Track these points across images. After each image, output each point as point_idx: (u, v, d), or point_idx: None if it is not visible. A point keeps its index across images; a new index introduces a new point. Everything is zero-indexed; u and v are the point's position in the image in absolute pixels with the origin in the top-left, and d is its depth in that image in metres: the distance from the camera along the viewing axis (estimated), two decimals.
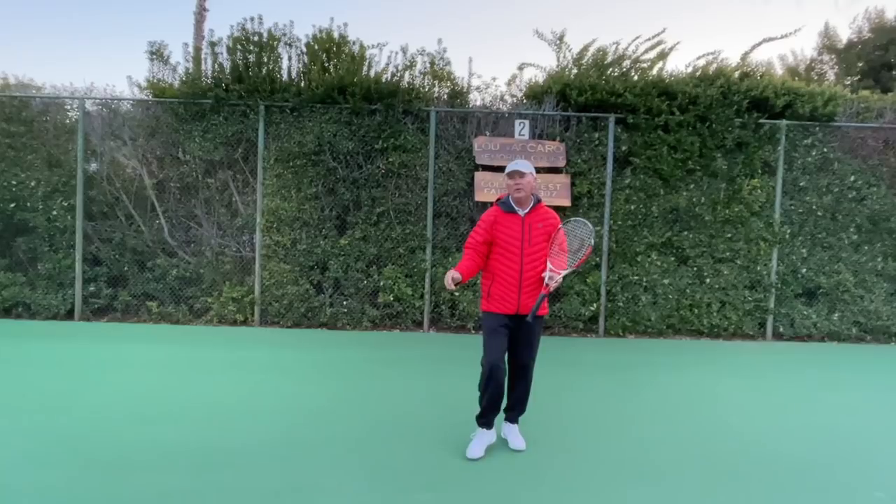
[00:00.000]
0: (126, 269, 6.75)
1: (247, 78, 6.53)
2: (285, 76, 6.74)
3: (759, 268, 6.78)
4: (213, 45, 6.65)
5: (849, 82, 23.93)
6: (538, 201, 3.26)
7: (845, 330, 6.85)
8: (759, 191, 6.73)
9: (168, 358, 5.09)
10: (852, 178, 6.82)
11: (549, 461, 3.13)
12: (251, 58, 6.59)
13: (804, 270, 6.83)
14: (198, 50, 7.13)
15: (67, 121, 6.96)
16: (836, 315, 6.84)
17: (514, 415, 3.39)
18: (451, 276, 3.01)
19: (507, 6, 40.55)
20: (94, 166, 6.84)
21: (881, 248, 6.90)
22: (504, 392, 3.20)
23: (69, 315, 6.70)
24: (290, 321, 6.69)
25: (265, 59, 6.64)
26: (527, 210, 3.19)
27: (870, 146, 6.90)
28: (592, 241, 3.19)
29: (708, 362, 5.64)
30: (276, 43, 6.67)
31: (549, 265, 3.13)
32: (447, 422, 3.68)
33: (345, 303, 6.74)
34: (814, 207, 6.81)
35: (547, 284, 3.08)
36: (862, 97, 7.06)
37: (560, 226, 3.25)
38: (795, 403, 4.34)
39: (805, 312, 6.83)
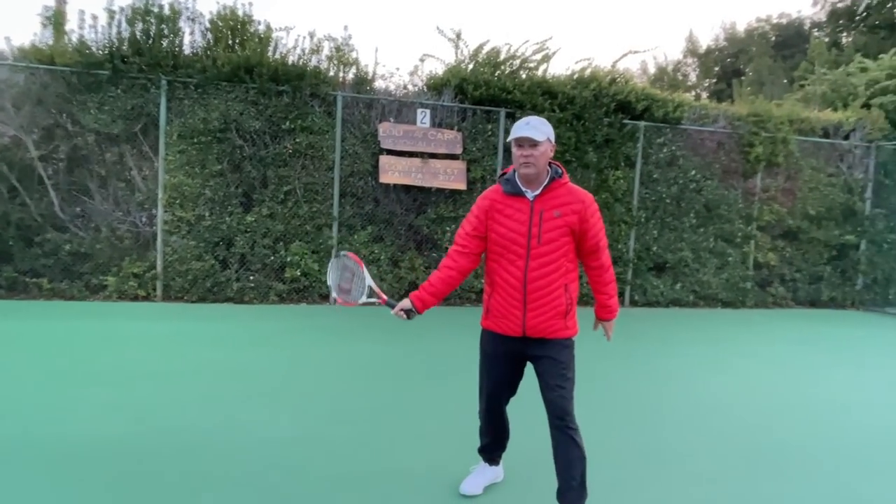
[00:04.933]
0: (11, 244, 6.43)
1: (147, 51, 6.43)
2: (188, 51, 6.72)
3: (620, 246, 8.02)
4: (111, 13, 6.44)
5: (707, 84, 27.29)
6: (557, 176, 2.28)
7: (685, 297, 8.34)
8: (621, 181, 7.92)
9: (69, 332, 5.11)
10: (693, 172, 8.25)
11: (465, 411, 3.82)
12: (152, 30, 6.49)
13: (655, 248, 8.18)
14: (59, 2, 6.87)
15: None
16: (679, 285, 8.30)
17: (571, 500, 2.28)
18: (400, 307, 2.34)
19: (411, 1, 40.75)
20: None
21: (713, 230, 8.44)
22: (508, 427, 2.56)
23: None
24: (195, 296, 6.80)
25: (166, 33, 6.57)
26: (538, 191, 2.25)
27: (707, 146, 8.37)
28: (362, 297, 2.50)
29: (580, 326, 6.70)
30: (177, 16, 6.61)
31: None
32: (365, 380, 4.25)
33: (251, 278, 6.97)
34: (663, 196, 8.16)
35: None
36: (702, 105, 8.50)
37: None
38: (650, 355, 5.45)
39: (655, 283, 8.22)
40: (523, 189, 2.27)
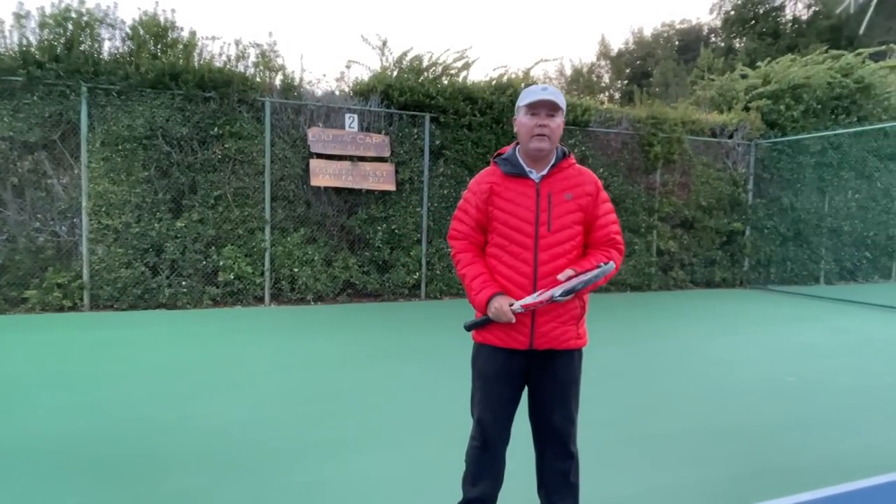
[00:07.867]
0: None
1: (65, 57, 6.32)
2: (108, 58, 6.65)
3: None
4: (19, 17, 6.27)
5: (619, 85, 29.13)
6: (563, 156, 2.01)
7: None
8: None
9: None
10: (601, 170, 9.08)
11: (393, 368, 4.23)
12: (69, 35, 6.38)
13: None
14: None
15: None
16: None
17: None
18: (505, 308, 1.85)
19: (335, 9, 40.68)
20: None
21: (621, 222, 9.20)
22: (503, 475, 2.06)
23: None
24: (125, 304, 6.76)
25: (83, 39, 6.48)
26: (544, 171, 1.96)
27: (612, 146, 9.24)
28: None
29: None
30: (96, 23, 6.53)
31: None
32: (310, 368, 4.56)
33: (184, 283, 7.02)
34: None
35: (554, 295, 1.84)
36: (607, 109, 9.36)
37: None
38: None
39: None
40: (527, 169, 1.95)
